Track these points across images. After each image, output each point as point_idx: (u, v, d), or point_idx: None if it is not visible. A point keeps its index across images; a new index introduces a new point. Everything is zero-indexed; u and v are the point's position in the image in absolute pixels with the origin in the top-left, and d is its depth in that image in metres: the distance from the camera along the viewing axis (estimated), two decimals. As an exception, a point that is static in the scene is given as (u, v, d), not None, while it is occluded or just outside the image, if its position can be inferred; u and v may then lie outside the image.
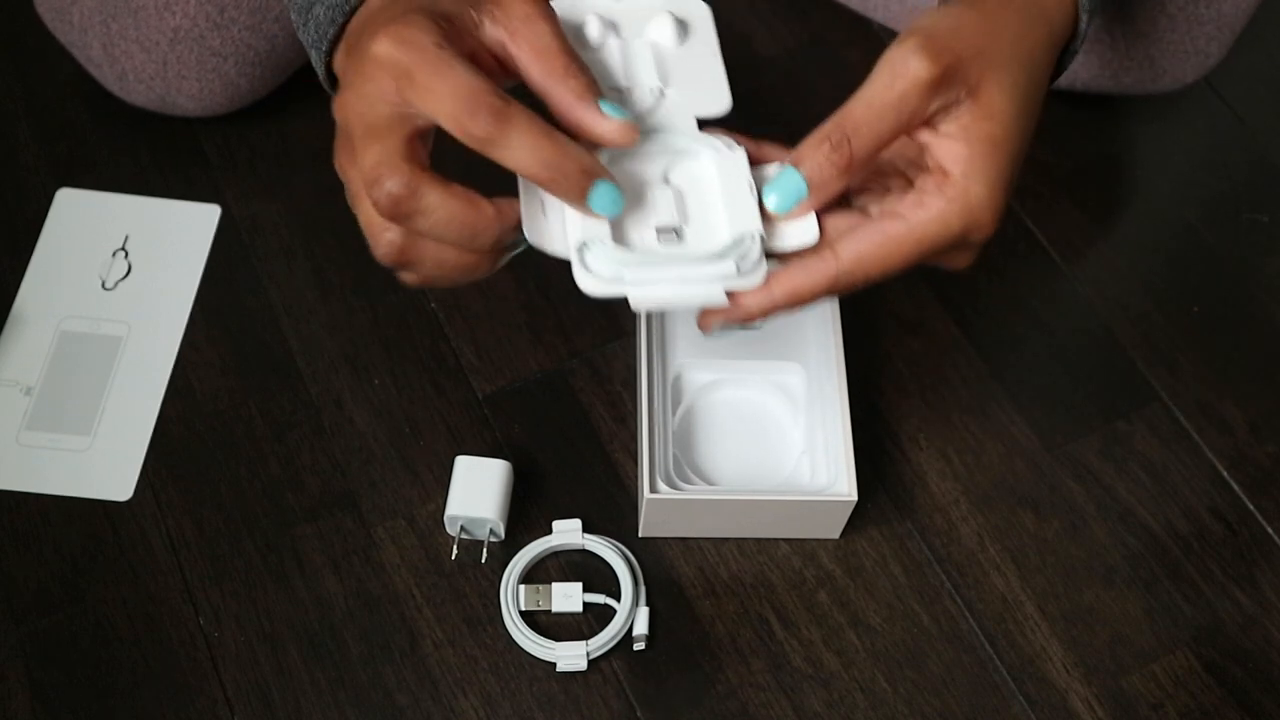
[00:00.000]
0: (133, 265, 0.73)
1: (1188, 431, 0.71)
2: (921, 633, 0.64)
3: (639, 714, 0.62)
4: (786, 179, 0.49)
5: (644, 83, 0.52)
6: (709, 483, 0.65)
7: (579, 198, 0.47)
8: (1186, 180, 0.80)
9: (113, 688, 0.61)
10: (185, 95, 0.73)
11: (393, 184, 0.46)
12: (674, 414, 0.66)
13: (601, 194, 0.47)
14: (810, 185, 0.49)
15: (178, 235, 0.74)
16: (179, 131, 0.77)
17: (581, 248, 0.48)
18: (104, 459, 0.67)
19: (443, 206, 0.47)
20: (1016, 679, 0.63)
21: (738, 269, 0.48)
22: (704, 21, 0.55)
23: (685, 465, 0.65)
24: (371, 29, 0.48)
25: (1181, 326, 0.74)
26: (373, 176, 0.47)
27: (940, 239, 0.50)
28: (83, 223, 0.74)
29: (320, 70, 0.54)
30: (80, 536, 0.65)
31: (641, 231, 0.49)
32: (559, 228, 0.49)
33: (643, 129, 0.50)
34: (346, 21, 0.52)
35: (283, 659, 0.62)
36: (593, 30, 0.53)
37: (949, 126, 0.50)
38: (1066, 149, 0.80)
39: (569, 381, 0.70)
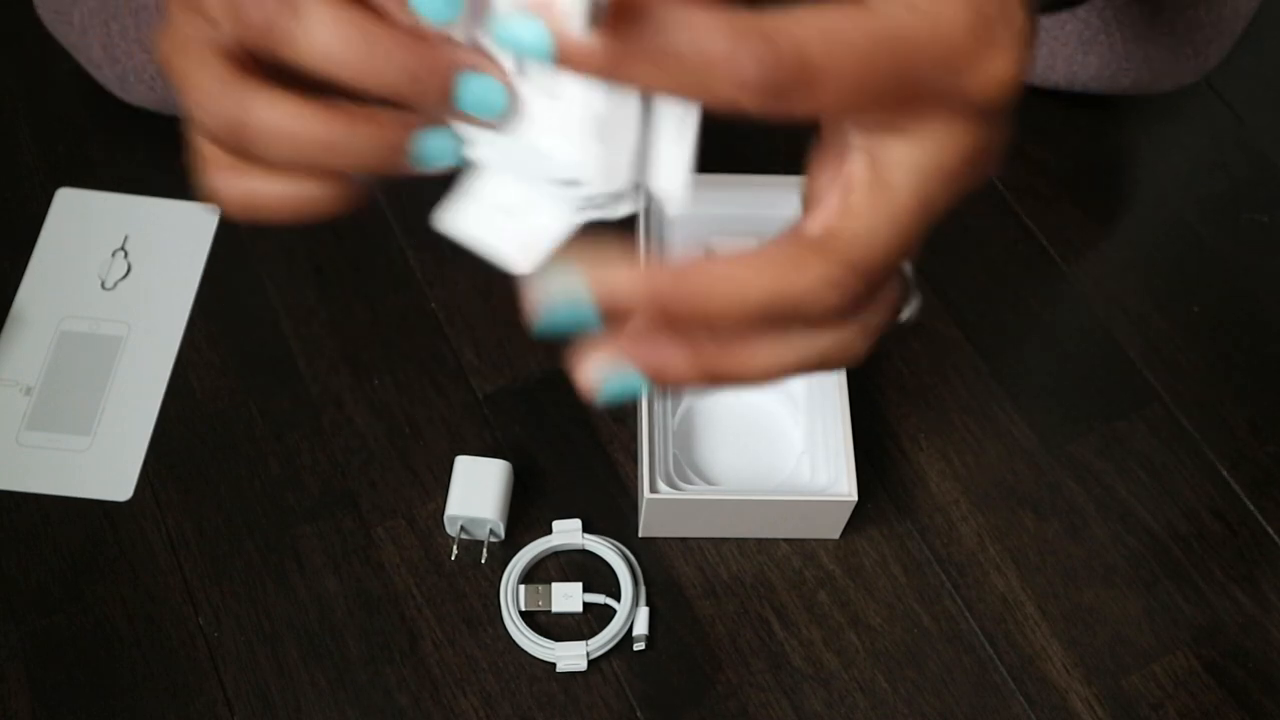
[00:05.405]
0: (133, 265, 0.73)
1: (1188, 431, 0.71)
2: (921, 633, 0.64)
3: (639, 714, 0.62)
4: None
5: None
6: (709, 483, 0.65)
7: (440, 99, 0.32)
8: (1186, 180, 0.80)
9: (113, 688, 0.61)
10: (185, 95, 0.72)
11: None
12: (674, 414, 0.66)
13: (474, 88, 0.32)
14: None
15: (178, 235, 0.74)
16: (179, 131, 0.77)
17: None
18: (104, 459, 0.67)
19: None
20: (1016, 679, 0.63)
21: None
22: None
23: (685, 465, 0.65)
24: None
25: (1181, 326, 0.74)
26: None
27: (933, 32, 0.31)
28: (82, 223, 0.74)
29: None
30: (80, 536, 0.65)
31: None
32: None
33: None
34: None
35: (283, 659, 0.62)
36: None
37: None
38: (1066, 149, 0.80)
39: (569, 381, 0.70)
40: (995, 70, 0.32)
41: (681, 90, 0.30)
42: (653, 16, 0.29)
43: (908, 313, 0.40)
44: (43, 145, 0.77)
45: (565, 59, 0.29)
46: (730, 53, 0.29)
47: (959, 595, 0.65)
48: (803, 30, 0.30)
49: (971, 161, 0.33)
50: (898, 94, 0.31)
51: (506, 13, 0.29)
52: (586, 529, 0.65)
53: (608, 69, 0.29)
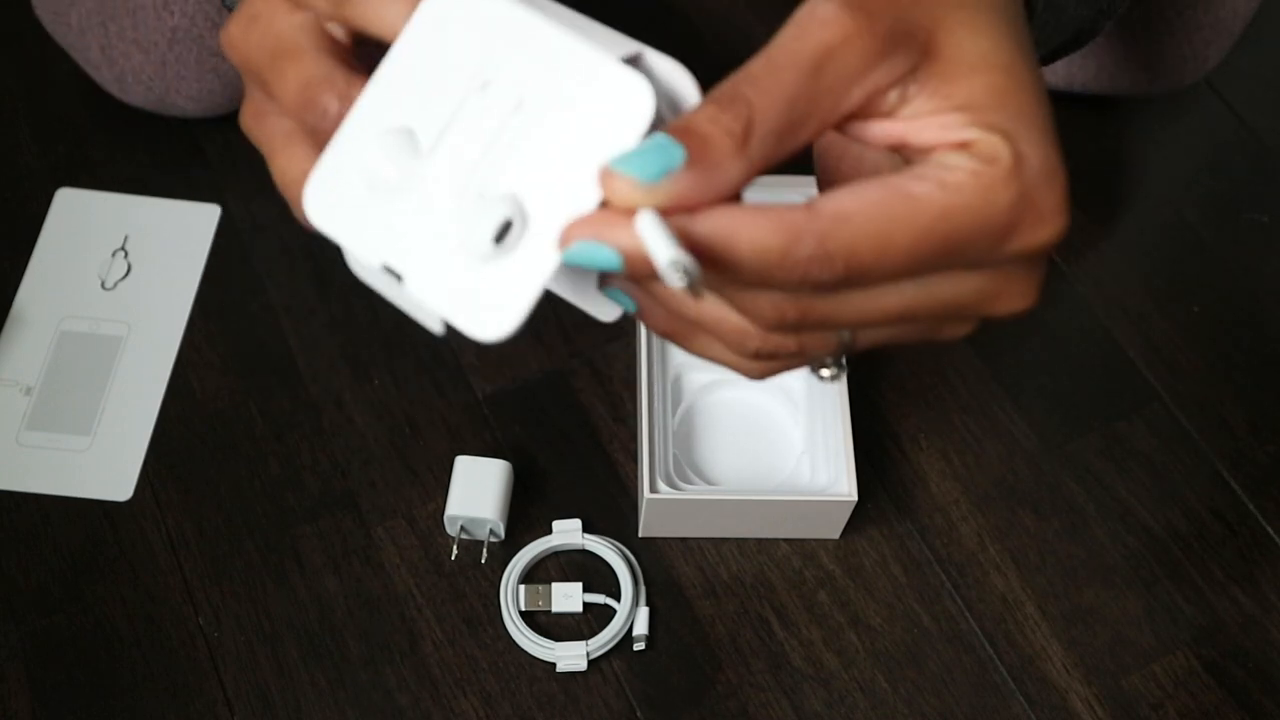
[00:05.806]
0: (133, 265, 0.73)
1: (1188, 431, 0.71)
2: (921, 633, 0.64)
3: (639, 714, 0.62)
4: (654, 143, 0.31)
5: None
6: (709, 483, 0.65)
7: None
8: (1186, 180, 0.80)
9: (113, 688, 0.61)
10: (184, 96, 0.73)
11: (330, 99, 0.36)
12: (674, 414, 0.66)
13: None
14: (690, 154, 0.31)
15: (178, 235, 0.74)
16: (178, 131, 0.77)
17: None
18: (104, 459, 0.67)
19: None
20: (1016, 679, 0.63)
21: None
22: None
23: (685, 465, 0.65)
24: None
25: (1181, 326, 0.74)
26: (303, 99, 0.36)
27: (978, 217, 0.32)
28: (82, 223, 0.74)
29: None
30: (80, 536, 0.65)
31: None
32: None
33: None
34: None
35: (283, 659, 0.62)
36: None
37: (921, 104, 0.33)
38: (1066, 149, 0.80)
39: (569, 381, 0.70)
40: (1039, 237, 0.33)
41: (748, 282, 0.33)
42: (718, 235, 0.31)
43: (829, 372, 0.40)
44: (43, 145, 0.77)
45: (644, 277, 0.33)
46: (783, 257, 0.31)
47: (959, 595, 0.65)
48: (852, 235, 0.31)
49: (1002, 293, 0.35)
50: (939, 267, 0.33)
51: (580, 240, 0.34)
52: (586, 529, 0.65)
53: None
